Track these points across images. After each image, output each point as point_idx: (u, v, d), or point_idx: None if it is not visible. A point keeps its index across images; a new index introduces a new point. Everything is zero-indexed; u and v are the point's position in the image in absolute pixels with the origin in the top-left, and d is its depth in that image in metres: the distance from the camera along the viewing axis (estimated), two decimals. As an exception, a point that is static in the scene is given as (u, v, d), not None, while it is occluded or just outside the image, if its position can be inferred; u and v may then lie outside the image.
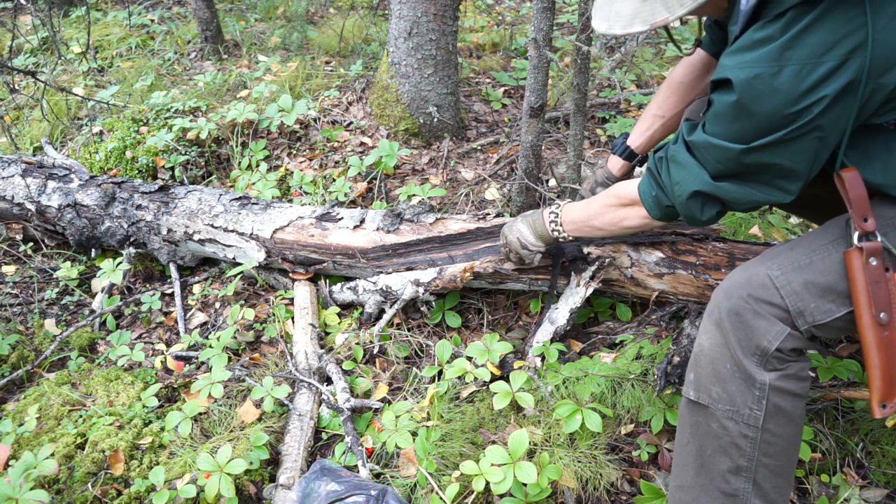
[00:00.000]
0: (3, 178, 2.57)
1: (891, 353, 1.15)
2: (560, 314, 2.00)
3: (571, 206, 1.67)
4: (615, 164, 1.83)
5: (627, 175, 1.85)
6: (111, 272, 2.33)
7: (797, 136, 1.09)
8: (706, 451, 1.28)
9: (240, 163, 2.91)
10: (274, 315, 2.18)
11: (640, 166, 1.83)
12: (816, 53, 1.02)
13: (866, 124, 1.13)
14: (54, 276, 2.47)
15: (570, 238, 1.70)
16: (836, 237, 1.23)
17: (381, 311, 2.17)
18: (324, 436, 1.85)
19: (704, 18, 1.60)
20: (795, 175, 1.16)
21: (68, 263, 2.48)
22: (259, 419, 1.85)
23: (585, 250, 1.98)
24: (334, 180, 2.73)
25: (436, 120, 2.87)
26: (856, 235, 1.17)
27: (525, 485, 1.54)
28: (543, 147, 2.48)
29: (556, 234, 1.70)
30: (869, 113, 1.10)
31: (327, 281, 2.28)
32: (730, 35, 1.28)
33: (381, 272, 2.16)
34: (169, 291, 2.44)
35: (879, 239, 1.16)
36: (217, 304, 2.35)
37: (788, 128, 1.08)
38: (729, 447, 1.25)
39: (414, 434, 1.74)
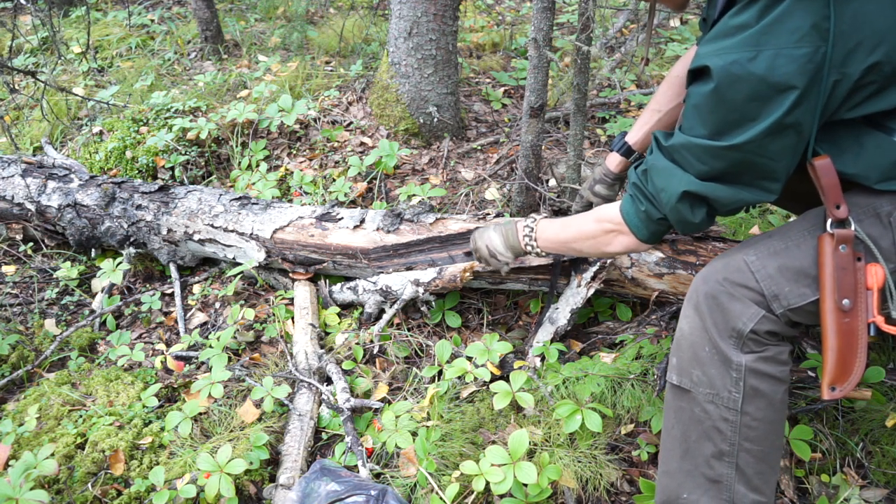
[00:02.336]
0: (3, 178, 2.57)
1: (848, 339, 1.17)
2: (561, 314, 2.00)
3: (548, 224, 1.62)
4: (613, 160, 1.83)
5: (625, 172, 1.85)
6: (111, 272, 2.33)
7: (776, 133, 1.09)
8: (690, 436, 1.30)
9: (240, 163, 2.91)
10: (274, 315, 2.18)
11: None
12: (792, 41, 1.03)
13: (836, 120, 1.15)
14: (54, 276, 2.47)
15: (543, 254, 1.68)
16: (813, 224, 1.26)
17: (381, 311, 2.17)
18: (324, 436, 1.85)
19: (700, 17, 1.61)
20: (777, 174, 1.17)
21: (68, 263, 2.48)
22: (259, 419, 1.85)
23: (585, 250, 1.98)
24: (334, 180, 2.73)
25: (436, 120, 2.87)
26: (829, 222, 1.19)
27: (525, 485, 1.54)
28: (543, 147, 2.48)
29: (528, 248, 1.66)
30: (836, 104, 1.11)
31: (327, 281, 2.28)
32: (708, 18, 1.29)
33: (381, 272, 2.16)
34: (169, 291, 2.44)
35: (853, 227, 1.18)
36: (217, 304, 2.35)
37: (766, 120, 1.08)
38: (711, 431, 1.27)
39: (414, 434, 1.74)
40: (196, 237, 2.34)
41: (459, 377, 1.88)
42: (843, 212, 1.18)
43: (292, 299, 2.22)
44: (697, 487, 1.29)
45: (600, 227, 1.43)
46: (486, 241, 1.77)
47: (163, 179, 2.91)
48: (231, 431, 1.82)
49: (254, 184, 2.75)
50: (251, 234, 2.26)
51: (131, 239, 2.43)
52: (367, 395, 1.96)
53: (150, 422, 1.84)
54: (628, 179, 1.37)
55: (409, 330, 2.15)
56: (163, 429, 1.80)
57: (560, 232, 1.59)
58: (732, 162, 1.16)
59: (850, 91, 1.09)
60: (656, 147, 1.28)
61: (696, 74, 1.16)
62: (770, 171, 1.16)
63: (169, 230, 2.37)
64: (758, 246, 1.27)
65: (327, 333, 2.17)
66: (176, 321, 2.30)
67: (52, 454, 1.63)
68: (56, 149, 3.25)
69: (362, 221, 2.19)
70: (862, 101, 1.12)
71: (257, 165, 2.87)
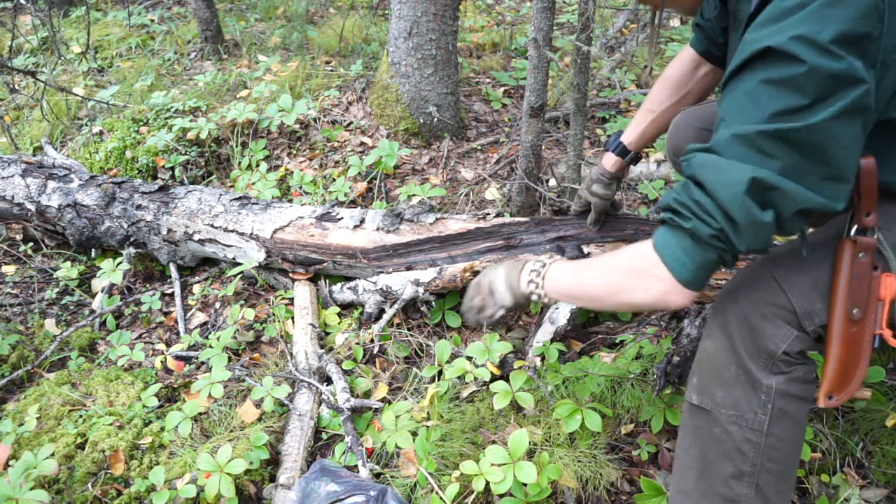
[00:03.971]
0: (3, 178, 2.57)
1: (852, 350, 1.14)
2: (560, 314, 2.00)
3: (560, 268, 1.32)
4: (609, 160, 1.82)
5: (622, 172, 1.84)
6: (111, 272, 2.33)
7: (850, 114, 0.97)
8: (708, 455, 1.26)
9: (240, 163, 2.91)
10: (274, 315, 2.18)
11: (634, 164, 1.82)
12: (856, 16, 0.94)
13: (878, 119, 1.07)
14: (54, 276, 2.47)
15: (547, 299, 1.34)
16: (838, 234, 1.20)
17: (381, 311, 2.17)
18: (324, 436, 1.85)
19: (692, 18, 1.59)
20: (847, 171, 1.01)
21: (68, 263, 2.48)
22: (259, 419, 1.85)
23: (586, 250, 1.98)
24: (334, 180, 2.73)
25: (436, 120, 2.87)
26: (854, 228, 1.14)
27: (525, 485, 1.54)
28: (543, 147, 2.48)
29: (530, 288, 1.34)
30: (887, 98, 1.03)
31: (327, 281, 2.28)
32: (739, 13, 1.22)
33: (382, 272, 2.16)
34: (169, 291, 2.44)
35: (876, 236, 1.14)
36: (217, 304, 2.35)
37: (843, 99, 0.95)
38: (732, 452, 1.23)
39: (414, 434, 1.74)
40: (196, 237, 2.34)
41: (459, 377, 1.88)
42: (872, 220, 1.12)
43: (292, 299, 2.22)
44: None
45: (629, 267, 1.17)
46: (490, 276, 1.44)
47: (163, 179, 2.91)
48: (231, 431, 1.82)
49: (254, 184, 2.75)
50: (251, 234, 2.26)
51: (131, 239, 2.43)
52: (367, 395, 1.95)
53: (150, 422, 1.84)
54: (661, 207, 1.13)
55: (409, 330, 2.15)
56: (163, 429, 1.80)
57: (574, 275, 1.29)
58: (802, 150, 0.98)
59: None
60: (699, 150, 1.07)
61: (748, 62, 1.01)
62: (841, 167, 1.00)
63: (169, 230, 2.37)
64: (786, 260, 1.21)
65: (327, 333, 2.17)
66: (176, 321, 2.30)
67: (52, 454, 1.63)
68: (56, 149, 3.25)
69: (362, 221, 2.19)
70: None
71: (257, 165, 2.87)
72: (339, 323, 2.19)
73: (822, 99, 0.95)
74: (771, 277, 1.20)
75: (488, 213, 2.18)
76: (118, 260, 2.40)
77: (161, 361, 2.06)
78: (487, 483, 1.51)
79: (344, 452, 1.73)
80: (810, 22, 0.94)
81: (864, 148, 1.06)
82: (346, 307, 2.27)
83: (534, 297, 1.34)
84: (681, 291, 1.10)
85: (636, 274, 1.14)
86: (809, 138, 0.97)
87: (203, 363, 2.06)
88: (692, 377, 1.30)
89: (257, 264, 2.27)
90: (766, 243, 1.05)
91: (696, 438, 1.29)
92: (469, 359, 1.93)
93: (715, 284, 1.89)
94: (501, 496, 1.57)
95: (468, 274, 1.99)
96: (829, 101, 0.95)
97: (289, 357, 2.02)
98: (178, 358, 2.08)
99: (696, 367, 1.30)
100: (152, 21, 4.44)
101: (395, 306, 2.10)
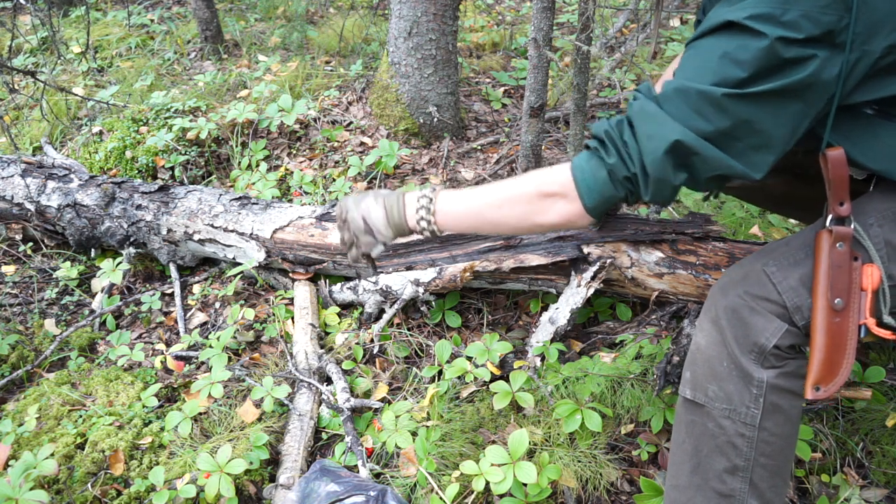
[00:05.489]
0: (2, 178, 2.57)
1: (837, 340, 1.14)
2: (561, 314, 2.00)
3: (451, 198, 1.31)
4: None
5: None
6: (111, 272, 2.33)
7: (787, 92, 1.03)
8: (702, 450, 1.27)
9: (240, 163, 2.91)
10: (274, 315, 2.18)
11: None
12: (819, 4, 0.98)
13: (848, 105, 1.11)
14: (54, 276, 2.47)
15: (441, 233, 1.34)
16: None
17: (381, 311, 2.17)
18: (324, 436, 1.85)
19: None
20: (773, 144, 1.07)
21: (68, 263, 2.48)
22: (259, 419, 1.85)
23: (585, 250, 1.98)
24: (334, 180, 2.73)
25: (436, 120, 2.87)
26: (829, 218, 1.16)
27: (525, 485, 1.54)
28: (543, 147, 2.48)
29: (421, 226, 1.32)
30: (853, 84, 1.07)
31: (327, 281, 2.28)
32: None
33: (381, 272, 2.16)
34: (169, 291, 2.44)
35: (853, 226, 1.15)
36: (217, 304, 2.35)
37: (781, 80, 1.01)
38: (725, 446, 1.24)
39: (414, 434, 1.74)
40: (196, 237, 2.34)
41: (459, 377, 1.88)
42: (845, 209, 1.15)
43: (292, 299, 2.22)
44: (708, 501, 1.27)
45: (537, 191, 1.21)
46: (363, 211, 1.37)
47: (163, 179, 2.91)
48: (231, 431, 1.82)
49: (254, 184, 2.75)
50: (251, 234, 2.26)
51: (131, 239, 2.43)
52: (367, 395, 1.96)
53: (150, 422, 1.84)
54: (591, 133, 1.19)
55: (409, 330, 2.15)
56: (163, 429, 1.80)
57: (473, 200, 1.29)
58: (735, 120, 1.04)
59: (868, 72, 1.05)
60: (643, 96, 1.13)
61: (709, 31, 1.07)
62: (768, 139, 1.06)
63: (169, 230, 2.37)
64: (777, 256, 1.23)
65: (327, 333, 2.17)
66: (176, 321, 2.30)
67: (52, 454, 1.63)
68: (56, 149, 3.25)
69: (362, 221, 2.18)
70: (878, 82, 1.08)
71: (257, 165, 2.87)
72: (339, 323, 2.19)
73: (764, 74, 1.01)
74: (762, 272, 1.21)
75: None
76: (118, 260, 2.40)
77: (161, 361, 2.06)
78: (487, 483, 1.51)
79: (344, 452, 1.73)
80: (773, 4, 0.99)
81: (835, 135, 1.12)
82: (346, 307, 2.27)
83: (423, 231, 1.32)
84: (584, 216, 1.19)
85: (545, 196, 1.20)
86: (744, 107, 1.03)
87: (203, 363, 2.06)
88: (686, 371, 1.31)
89: (257, 264, 2.27)
90: (669, 199, 1.14)
91: (690, 433, 1.29)
92: (469, 359, 1.93)
93: (705, 282, 1.89)
94: (501, 496, 1.57)
95: (468, 274, 1.99)
96: (771, 77, 1.01)
97: (289, 357, 2.02)
98: (178, 358, 2.08)
99: (689, 362, 1.30)
100: (152, 21, 4.43)
101: (395, 306, 2.10)
